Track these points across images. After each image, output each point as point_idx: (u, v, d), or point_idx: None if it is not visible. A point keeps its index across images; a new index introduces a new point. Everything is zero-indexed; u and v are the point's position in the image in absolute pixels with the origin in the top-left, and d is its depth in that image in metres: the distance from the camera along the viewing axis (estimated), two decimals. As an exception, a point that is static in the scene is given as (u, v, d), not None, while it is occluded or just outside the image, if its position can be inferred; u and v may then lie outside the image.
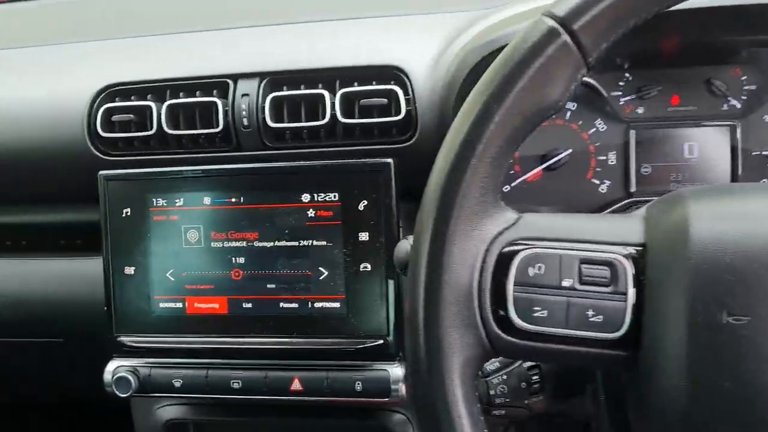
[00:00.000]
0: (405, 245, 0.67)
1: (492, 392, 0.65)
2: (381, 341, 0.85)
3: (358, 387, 0.85)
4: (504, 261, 0.54)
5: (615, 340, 0.52)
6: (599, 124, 0.91)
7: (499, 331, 0.53)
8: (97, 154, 0.94)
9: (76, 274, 1.04)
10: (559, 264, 0.53)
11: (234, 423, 1.02)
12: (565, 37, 0.52)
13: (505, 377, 0.66)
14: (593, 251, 0.53)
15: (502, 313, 0.53)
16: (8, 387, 1.30)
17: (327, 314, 0.86)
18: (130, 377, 0.89)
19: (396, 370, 0.85)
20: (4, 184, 1.01)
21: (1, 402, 1.57)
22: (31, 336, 1.09)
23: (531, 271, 0.53)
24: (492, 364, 0.66)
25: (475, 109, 0.54)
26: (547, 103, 0.54)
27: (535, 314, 0.53)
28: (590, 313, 0.52)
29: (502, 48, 0.80)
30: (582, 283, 0.53)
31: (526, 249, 0.54)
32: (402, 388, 0.85)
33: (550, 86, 0.53)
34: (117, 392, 0.90)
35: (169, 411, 1.00)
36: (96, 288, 0.99)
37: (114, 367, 0.91)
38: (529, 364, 0.66)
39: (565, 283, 0.53)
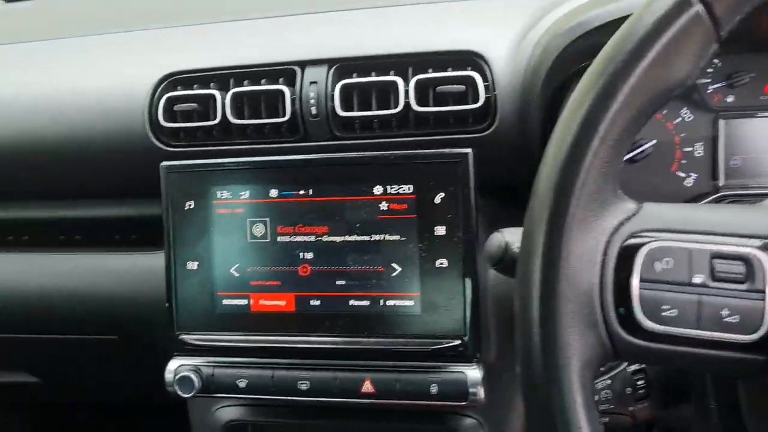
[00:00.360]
0: (498, 238, 0.62)
1: (596, 398, 0.61)
2: (458, 342, 0.80)
3: (434, 390, 0.81)
4: (627, 255, 0.49)
5: (752, 343, 0.47)
6: (685, 113, 0.86)
7: (623, 332, 0.48)
8: (159, 145, 0.90)
9: (132, 269, 1.01)
10: (689, 258, 0.48)
11: (295, 425, 0.98)
12: (698, 6, 0.47)
13: (609, 382, 0.61)
14: (725, 244, 0.48)
15: (625, 311, 0.48)
16: (60, 385, 1.28)
17: (400, 313, 0.82)
18: (193, 377, 0.86)
19: (474, 373, 0.81)
20: (60, 177, 0.99)
21: (52, 401, 1.55)
22: (84, 333, 1.07)
23: (658, 266, 0.48)
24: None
25: (595, 87, 0.49)
26: (675, 81, 0.49)
27: (663, 313, 0.48)
28: (725, 312, 0.47)
29: (591, 31, 0.76)
30: (714, 279, 0.48)
31: (652, 242, 0.49)
32: (480, 392, 0.80)
33: (680, 62, 0.48)
34: (180, 392, 0.86)
35: (228, 412, 0.96)
36: (152, 284, 0.96)
37: (176, 366, 0.88)
38: (634, 367, 0.62)
39: (696, 279, 0.48)
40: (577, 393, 0.47)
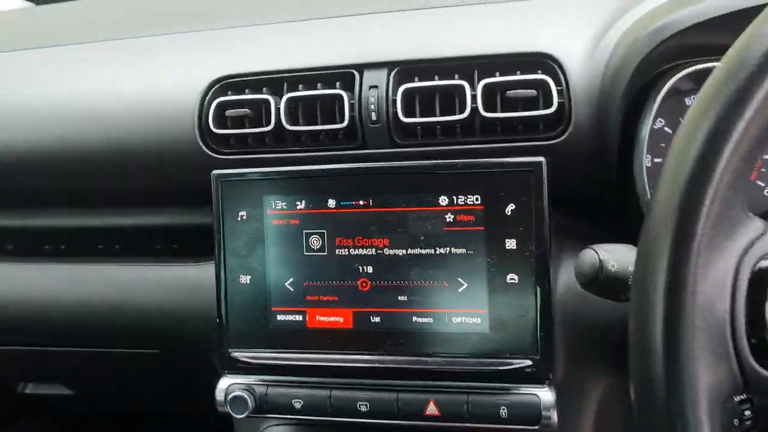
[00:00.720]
0: (592, 255, 0.58)
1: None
2: (529, 362, 0.75)
3: (503, 413, 0.76)
4: (760, 278, 0.44)
5: None
6: None
7: (756, 364, 0.43)
8: (208, 152, 0.86)
9: (175, 281, 0.97)
10: None
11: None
12: None
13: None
14: None
15: (758, 341, 0.44)
16: (96, 399, 1.25)
17: (467, 330, 0.77)
18: (246, 396, 0.81)
19: (547, 395, 0.76)
20: (103, 184, 0.95)
21: (91, 412, 1.52)
22: (125, 347, 1.03)
23: None
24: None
25: (725, 93, 0.44)
26: None
27: None
28: None
29: (685, 30, 0.71)
30: None
31: None
32: (554, 415, 0.76)
33: None
34: (232, 413, 0.82)
35: (277, 431, 0.92)
36: (196, 297, 0.92)
37: (227, 385, 0.83)
38: (740, 397, 0.57)
39: None
40: (705, 428, 0.42)
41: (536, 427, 0.76)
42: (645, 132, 0.78)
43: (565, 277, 0.81)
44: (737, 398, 0.57)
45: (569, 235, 0.82)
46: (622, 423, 0.93)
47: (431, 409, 0.78)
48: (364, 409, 0.80)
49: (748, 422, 0.57)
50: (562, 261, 0.81)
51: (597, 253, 0.57)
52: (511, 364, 0.76)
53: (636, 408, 0.46)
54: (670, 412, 0.43)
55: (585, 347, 0.81)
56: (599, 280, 0.57)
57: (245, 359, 0.83)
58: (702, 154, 0.44)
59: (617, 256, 0.57)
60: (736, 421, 0.57)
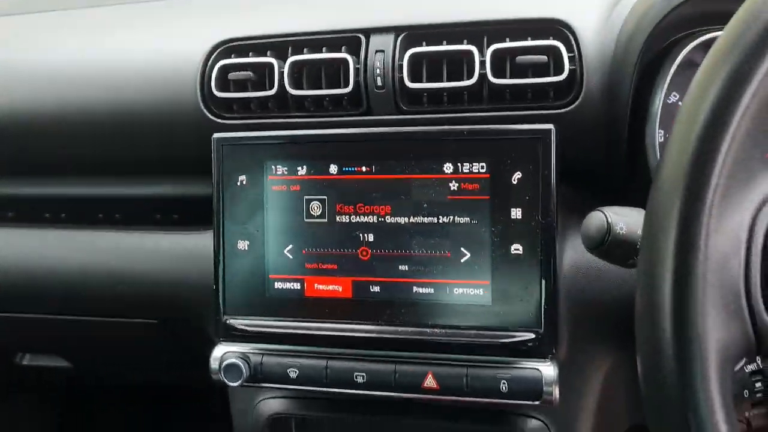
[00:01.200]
0: (599, 218, 0.56)
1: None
2: (532, 335, 0.73)
3: (504, 387, 0.74)
4: None
5: None
6: None
7: None
8: (210, 116, 0.85)
9: (175, 249, 0.95)
10: None
11: (343, 421, 0.91)
12: None
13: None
14: None
15: None
16: (94, 370, 1.24)
17: (468, 302, 0.75)
18: (240, 364, 0.80)
19: (549, 370, 0.74)
20: (104, 149, 0.93)
21: (88, 384, 1.51)
22: (123, 315, 1.01)
23: None
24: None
25: (746, 35, 0.42)
26: None
27: None
28: None
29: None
30: None
31: None
32: (555, 391, 0.73)
33: None
34: (226, 380, 0.80)
35: (272, 404, 0.90)
36: (196, 266, 0.91)
37: (222, 353, 0.82)
38: (751, 368, 0.55)
39: None
40: (715, 391, 0.40)
41: (537, 403, 0.74)
42: (657, 104, 0.75)
43: (571, 252, 0.79)
44: (749, 369, 0.54)
45: (576, 210, 0.79)
46: (626, 404, 0.91)
47: (429, 382, 0.76)
48: (360, 380, 0.78)
49: (758, 395, 0.55)
50: (569, 235, 0.79)
51: (605, 215, 0.55)
52: (513, 337, 0.74)
53: (641, 370, 0.43)
54: (677, 371, 0.41)
55: (590, 324, 0.79)
56: (607, 244, 0.55)
57: (241, 327, 0.81)
58: (720, 96, 0.42)
59: (626, 219, 0.55)
60: (746, 393, 0.54)
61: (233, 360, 0.80)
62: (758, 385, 0.54)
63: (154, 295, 0.97)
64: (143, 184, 0.98)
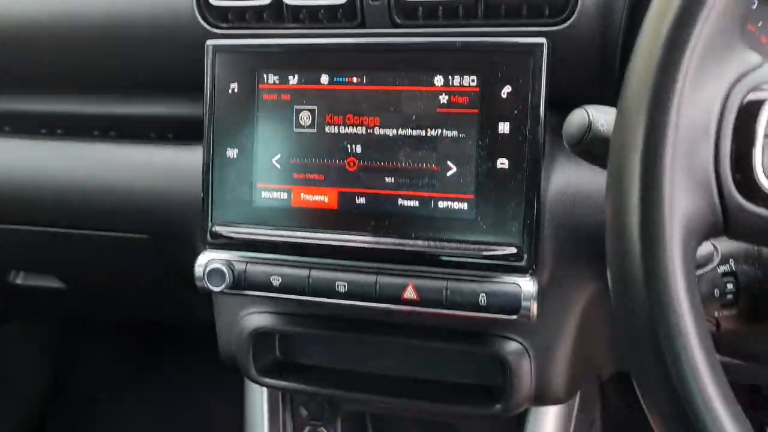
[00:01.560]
0: (581, 115, 0.55)
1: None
2: (513, 249, 0.74)
3: (482, 301, 0.75)
4: (750, 109, 0.42)
5: None
6: None
7: (739, 196, 0.41)
8: (205, 25, 0.84)
9: (168, 164, 0.96)
10: None
11: (324, 337, 0.92)
12: None
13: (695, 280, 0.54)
14: None
15: (743, 176, 0.41)
16: (86, 293, 1.25)
17: (452, 216, 0.75)
18: (224, 269, 0.80)
19: (528, 285, 0.74)
20: (97, 62, 0.94)
21: (81, 316, 1.53)
22: (114, 229, 1.02)
23: None
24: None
25: None
26: None
27: None
28: None
29: None
30: None
31: None
32: (533, 307, 0.74)
33: None
34: (209, 286, 0.81)
35: (256, 319, 0.91)
36: (190, 181, 0.91)
37: (206, 260, 0.82)
38: (723, 269, 0.55)
39: None
40: (677, 261, 0.40)
41: (514, 317, 0.74)
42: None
43: (560, 175, 0.79)
44: (721, 269, 0.54)
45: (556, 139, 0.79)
46: (606, 334, 0.91)
47: (410, 294, 0.77)
48: (342, 289, 0.79)
49: (729, 296, 0.55)
50: (556, 163, 0.79)
51: (587, 111, 0.55)
52: (494, 250, 0.74)
53: (608, 238, 0.44)
54: (642, 239, 0.41)
55: (573, 249, 0.79)
56: (587, 140, 0.55)
57: (227, 234, 0.82)
58: None
59: (608, 117, 0.55)
60: (716, 292, 0.54)
61: (217, 265, 0.81)
62: (729, 286, 0.54)
63: (145, 208, 0.97)
64: (137, 103, 0.99)
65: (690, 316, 0.39)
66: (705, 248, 0.55)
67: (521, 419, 0.95)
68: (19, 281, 1.28)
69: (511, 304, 0.74)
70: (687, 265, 0.41)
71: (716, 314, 0.55)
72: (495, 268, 0.75)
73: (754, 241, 0.44)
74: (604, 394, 1.62)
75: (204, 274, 0.82)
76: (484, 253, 0.74)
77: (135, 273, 1.13)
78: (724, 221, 0.42)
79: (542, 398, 0.85)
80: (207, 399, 1.64)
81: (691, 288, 0.41)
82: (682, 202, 0.40)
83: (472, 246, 0.75)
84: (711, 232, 0.42)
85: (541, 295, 0.79)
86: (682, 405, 0.40)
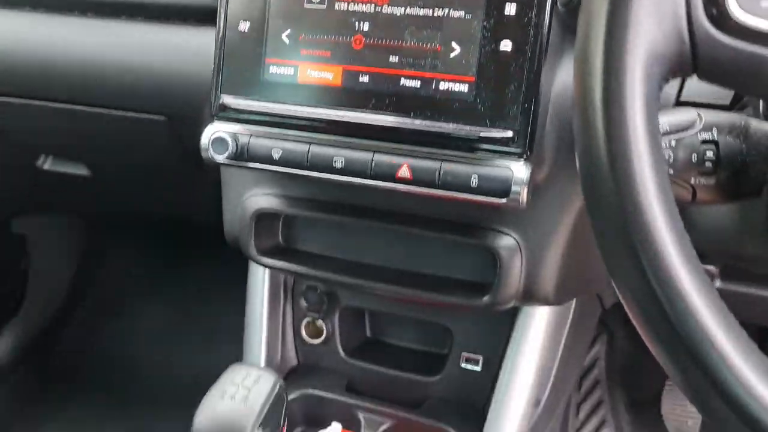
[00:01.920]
0: None
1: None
2: (509, 133, 0.74)
3: (474, 182, 0.75)
4: None
5: None
6: None
7: (707, 23, 0.41)
8: None
9: (187, 45, 0.98)
10: None
11: (324, 223, 0.94)
12: None
13: (673, 143, 0.54)
14: None
15: (713, 2, 0.41)
16: (113, 180, 1.29)
17: (452, 97, 0.76)
18: (228, 139, 0.83)
19: (520, 170, 0.74)
20: None
21: (107, 210, 1.58)
22: (132, 109, 1.05)
23: None
24: (662, 126, 0.54)
25: None
26: None
27: (764, 4, 0.40)
28: None
29: None
30: None
31: None
32: (523, 193, 0.74)
33: None
34: (213, 154, 0.83)
35: (258, 200, 0.94)
36: (206, 62, 0.93)
37: (213, 131, 0.85)
38: (705, 137, 0.54)
39: None
40: (638, 84, 0.40)
41: (503, 201, 0.75)
42: None
43: (565, 73, 0.78)
44: (702, 136, 0.54)
45: (573, 34, 0.78)
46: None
47: (404, 172, 0.78)
48: (339, 165, 0.80)
49: (707, 164, 0.54)
50: (564, 57, 0.78)
51: None
52: (490, 132, 0.74)
53: (575, 63, 0.44)
54: (606, 53, 0.40)
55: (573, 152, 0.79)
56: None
57: (234, 106, 0.83)
58: None
59: None
60: (694, 157, 0.54)
61: (221, 134, 0.83)
62: (709, 154, 0.53)
63: (162, 89, 1.00)
64: None
65: (645, 138, 0.39)
66: (688, 114, 0.54)
67: (513, 323, 0.96)
68: (47, 167, 1.33)
69: (502, 187, 0.74)
70: (647, 89, 0.40)
71: (693, 181, 0.54)
72: (490, 151, 0.75)
73: (726, 83, 0.43)
74: (612, 337, 1.62)
75: (209, 143, 0.84)
76: (481, 134, 0.74)
77: (153, 158, 1.16)
78: (692, 54, 0.41)
79: (530, 295, 0.86)
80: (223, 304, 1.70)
81: (650, 116, 0.40)
82: (648, 26, 0.40)
83: (469, 127, 0.75)
84: (677, 64, 0.42)
85: (539, 190, 0.80)
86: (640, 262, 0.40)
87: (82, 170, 1.31)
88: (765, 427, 0.38)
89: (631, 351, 1.56)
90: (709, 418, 0.43)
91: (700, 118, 0.54)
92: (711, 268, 0.89)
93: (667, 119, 0.54)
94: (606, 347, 1.57)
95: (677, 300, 0.40)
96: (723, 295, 0.97)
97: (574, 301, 1.01)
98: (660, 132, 0.42)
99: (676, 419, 1.44)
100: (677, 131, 0.53)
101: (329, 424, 1.00)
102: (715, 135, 0.54)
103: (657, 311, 0.41)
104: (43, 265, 1.76)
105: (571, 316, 1.01)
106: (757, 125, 0.54)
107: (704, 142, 0.53)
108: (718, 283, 0.91)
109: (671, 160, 0.53)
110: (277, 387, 0.61)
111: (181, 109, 1.00)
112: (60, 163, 1.33)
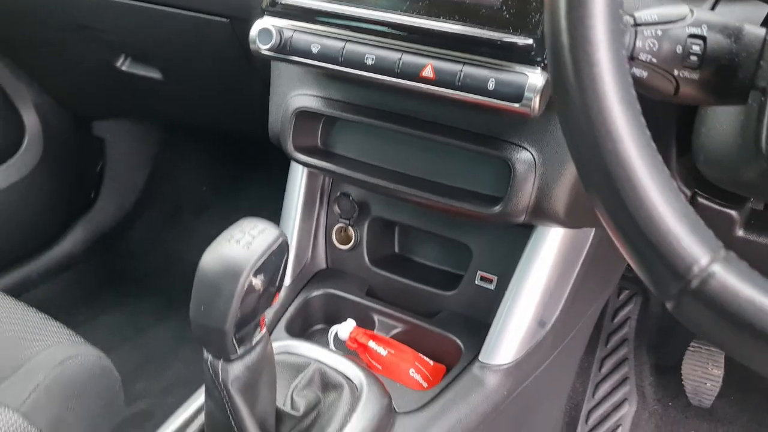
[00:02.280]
0: None
1: (639, 44, 0.55)
2: (530, 41, 0.77)
3: (491, 85, 0.79)
4: None
5: None
6: None
7: None
8: None
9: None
10: None
11: (358, 123, 1.00)
12: None
13: (659, 33, 0.56)
14: None
15: None
16: (182, 82, 1.39)
17: (480, 2, 0.80)
18: (273, 31, 0.89)
19: (536, 78, 0.77)
20: None
21: (172, 118, 1.68)
22: (196, 10, 1.14)
23: None
24: (650, 16, 0.56)
25: None
26: None
27: None
28: None
29: None
30: None
31: None
32: (536, 100, 0.77)
33: None
34: (258, 44, 0.90)
35: (300, 100, 1.00)
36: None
37: (262, 25, 0.91)
38: (693, 31, 0.55)
39: None
40: None
41: (516, 105, 0.78)
42: None
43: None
44: (690, 30, 0.55)
45: None
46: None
47: (427, 72, 0.82)
48: (370, 62, 0.85)
49: (692, 58, 0.55)
50: None
51: None
52: (512, 38, 0.78)
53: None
54: None
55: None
56: None
57: (283, 1, 0.90)
58: None
59: None
60: (679, 48, 0.55)
61: (267, 26, 0.90)
62: (695, 48, 0.55)
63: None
64: None
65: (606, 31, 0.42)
66: (679, 9, 0.56)
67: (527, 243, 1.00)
68: (125, 68, 1.45)
69: (516, 92, 0.78)
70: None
71: (676, 72, 0.56)
72: (510, 59, 0.79)
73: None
74: (647, 300, 1.62)
75: (257, 35, 0.91)
76: (503, 39, 0.78)
77: (219, 61, 1.25)
78: None
79: (540, 211, 0.89)
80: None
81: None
82: None
83: (493, 32, 0.79)
84: None
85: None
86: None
87: (155, 74, 1.42)
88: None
89: (663, 315, 1.56)
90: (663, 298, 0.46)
91: (691, 12, 0.56)
92: (733, 213, 0.90)
93: (657, 10, 0.56)
94: (639, 308, 1.57)
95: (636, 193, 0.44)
96: (744, 245, 0.97)
97: (592, 233, 1.03)
98: (623, 31, 0.45)
99: (695, 380, 1.44)
100: (665, 22, 0.55)
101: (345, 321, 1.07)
102: (704, 31, 0.55)
103: (617, 203, 0.45)
104: (118, 169, 1.90)
105: (587, 248, 1.03)
106: (751, 29, 0.55)
107: (692, 36, 0.55)
108: (740, 232, 0.91)
109: (655, 49, 0.55)
110: (280, 240, 0.68)
111: (242, 10, 1.08)
112: (136, 65, 1.44)
